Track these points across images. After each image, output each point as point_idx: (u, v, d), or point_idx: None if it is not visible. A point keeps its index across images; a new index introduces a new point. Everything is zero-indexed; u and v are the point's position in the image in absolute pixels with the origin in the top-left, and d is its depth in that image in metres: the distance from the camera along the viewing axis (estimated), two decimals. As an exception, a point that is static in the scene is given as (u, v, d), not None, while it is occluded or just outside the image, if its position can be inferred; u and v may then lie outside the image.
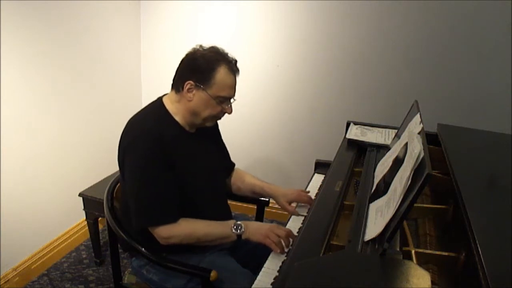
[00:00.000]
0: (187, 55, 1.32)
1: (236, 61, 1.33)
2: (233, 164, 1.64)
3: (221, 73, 1.27)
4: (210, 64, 1.26)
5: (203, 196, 1.39)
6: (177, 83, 1.31)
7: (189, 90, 1.28)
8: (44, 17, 1.97)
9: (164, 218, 1.27)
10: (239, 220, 1.34)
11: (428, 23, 2.12)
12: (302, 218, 1.44)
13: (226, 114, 1.36)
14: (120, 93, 2.62)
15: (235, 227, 1.30)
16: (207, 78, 1.26)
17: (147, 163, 1.24)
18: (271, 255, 1.22)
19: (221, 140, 1.58)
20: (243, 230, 1.29)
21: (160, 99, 1.38)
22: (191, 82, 1.27)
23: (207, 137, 1.44)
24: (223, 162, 1.59)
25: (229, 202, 1.56)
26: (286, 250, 1.23)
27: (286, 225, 1.41)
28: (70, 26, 2.13)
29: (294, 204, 1.53)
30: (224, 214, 1.47)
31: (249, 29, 2.46)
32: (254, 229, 1.30)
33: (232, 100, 1.34)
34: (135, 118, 1.35)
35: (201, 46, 1.32)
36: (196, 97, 1.28)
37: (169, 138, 1.27)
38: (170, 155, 1.26)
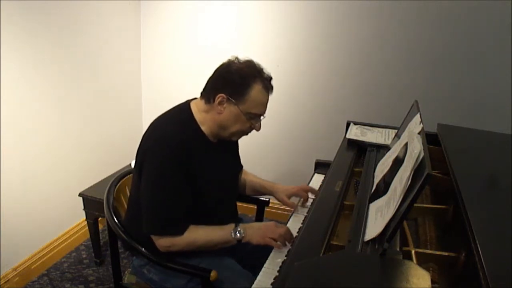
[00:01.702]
0: (221, 66, 1.29)
1: (271, 78, 1.30)
2: (242, 166, 1.63)
3: (256, 90, 1.24)
4: (246, 80, 1.23)
5: (217, 202, 1.37)
6: (208, 94, 1.27)
7: (220, 103, 1.24)
8: (44, 17, 1.97)
9: (170, 230, 1.26)
10: (241, 222, 1.34)
11: (428, 23, 2.12)
12: (302, 218, 1.44)
13: None
14: (120, 93, 2.62)
15: (234, 232, 1.29)
16: (241, 93, 1.23)
17: (165, 170, 1.22)
18: (271, 255, 1.22)
19: (237, 146, 1.56)
20: (243, 234, 1.29)
21: (187, 104, 1.34)
22: (223, 95, 1.23)
23: (227, 146, 1.41)
24: (238, 170, 1.57)
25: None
26: (285, 246, 1.23)
27: (286, 225, 1.41)
28: (70, 26, 2.13)
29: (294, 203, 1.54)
30: (233, 217, 1.47)
31: (249, 29, 2.46)
32: (253, 232, 1.30)
33: (262, 117, 1.32)
34: (160, 120, 1.32)
35: (237, 58, 1.28)
36: (227, 111, 1.25)
37: (191, 146, 1.25)
38: (189, 162, 1.24)
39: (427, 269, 0.89)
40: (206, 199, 1.32)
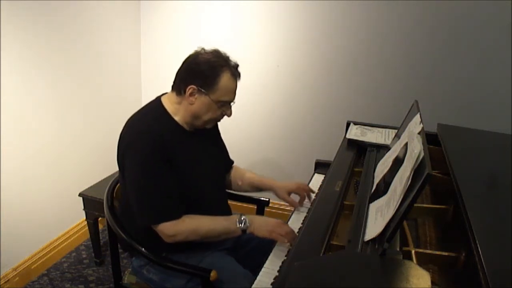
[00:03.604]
0: (189, 58, 1.32)
1: (238, 65, 1.33)
2: (232, 161, 1.64)
3: (225, 79, 1.27)
4: (214, 70, 1.26)
5: (203, 193, 1.39)
6: (179, 86, 1.31)
7: (191, 94, 1.28)
8: (44, 17, 1.97)
9: (167, 215, 1.27)
10: (243, 215, 1.34)
11: (428, 23, 2.12)
12: (302, 218, 1.44)
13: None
14: (120, 93, 2.62)
15: (240, 221, 1.29)
16: (211, 83, 1.26)
17: (147, 161, 1.24)
18: (271, 255, 1.22)
19: (220, 138, 1.59)
20: (247, 224, 1.29)
21: (158, 99, 1.38)
22: (194, 86, 1.27)
23: (206, 135, 1.44)
24: (222, 160, 1.59)
25: (229, 202, 1.56)
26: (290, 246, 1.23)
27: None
28: (70, 26, 2.13)
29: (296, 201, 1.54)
30: (224, 212, 1.47)
31: (249, 29, 2.46)
32: (259, 224, 1.30)
33: (232, 103, 1.35)
34: (134, 118, 1.35)
35: (203, 49, 1.32)
36: (198, 101, 1.28)
37: (169, 137, 1.28)
38: (170, 153, 1.26)
39: (426, 271, 0.89)
40: (189, 187, 1.33)
